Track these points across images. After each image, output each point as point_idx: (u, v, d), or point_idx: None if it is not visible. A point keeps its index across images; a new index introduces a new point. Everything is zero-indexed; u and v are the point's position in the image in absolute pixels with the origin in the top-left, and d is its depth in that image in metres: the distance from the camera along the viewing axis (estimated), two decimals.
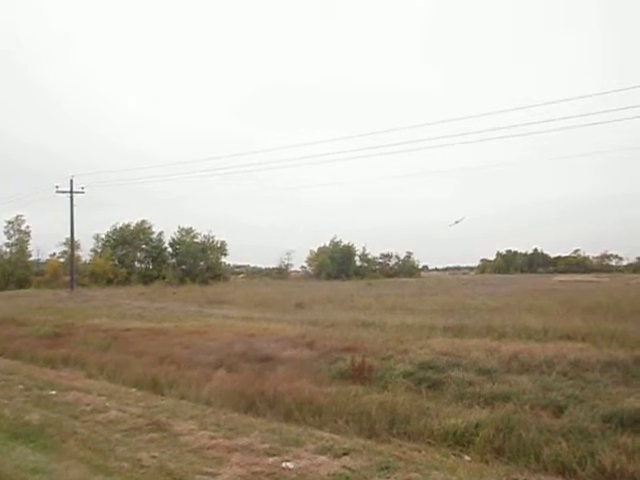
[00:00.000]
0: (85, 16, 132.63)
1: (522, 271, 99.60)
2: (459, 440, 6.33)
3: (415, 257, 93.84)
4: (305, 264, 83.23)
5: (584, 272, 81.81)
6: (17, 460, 5.56)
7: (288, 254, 78.41)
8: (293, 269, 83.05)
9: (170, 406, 8.07)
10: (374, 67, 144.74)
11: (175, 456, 5.72)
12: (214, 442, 6.12)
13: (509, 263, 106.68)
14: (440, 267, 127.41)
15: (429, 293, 32.99)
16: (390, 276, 78.70)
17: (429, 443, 6.28)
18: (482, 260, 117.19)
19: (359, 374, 9.57)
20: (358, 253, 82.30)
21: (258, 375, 9.65)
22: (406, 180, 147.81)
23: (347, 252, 78.42)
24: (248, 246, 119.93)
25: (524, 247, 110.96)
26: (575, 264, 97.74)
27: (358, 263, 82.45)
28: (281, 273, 77.45)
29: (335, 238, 78.83)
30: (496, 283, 50.79)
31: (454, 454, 5.94)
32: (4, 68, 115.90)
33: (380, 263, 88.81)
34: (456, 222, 72.98)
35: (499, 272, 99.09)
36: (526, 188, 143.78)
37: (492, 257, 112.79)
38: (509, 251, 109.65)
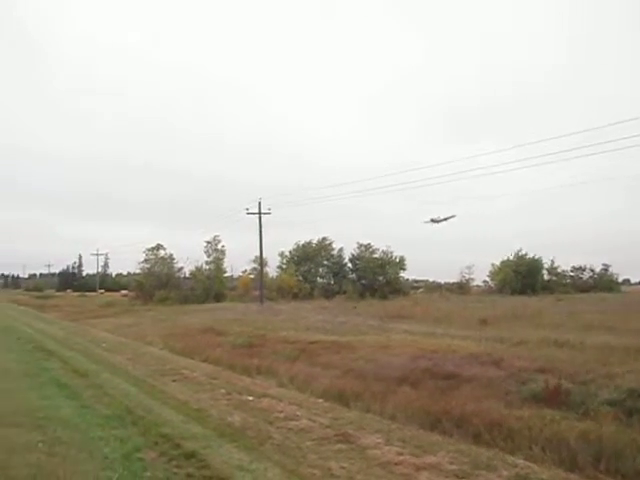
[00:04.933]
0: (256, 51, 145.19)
1: None
2: None
3: (613, 270, 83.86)
4: (487, 278, 79.53)
5: None
6: (225, 456, 6.10)
7: (469, 268, 75.65)
8: (474, 284, 79.80)
9: (356, 419, 8.20)
10: (531, 72, 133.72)
11: (363, 469, 5.77)
12: (401, 458, 6.06)
13: None
14: None
15: (635, 309, 29.13)
16: (583, 291, 71.23)
17: None
18: None
19: (554, 398, 8.77)
20: (546, 266, 76.26)
21: (443, 393, 9.38)
22: (592, 187, 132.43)
23: (533, 265, 72.99)
24: (427, 260, 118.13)
25: None
26: None
27: (546, 277, 76.30)
28: (462, 288, 74.84)
29: (520, 251, 74.13)
30: None
31: None
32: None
33: (571, 277, 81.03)
34: (432, 220, 59.83)
35: None
36: None
37: None
38: None
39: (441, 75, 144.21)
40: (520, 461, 6.08)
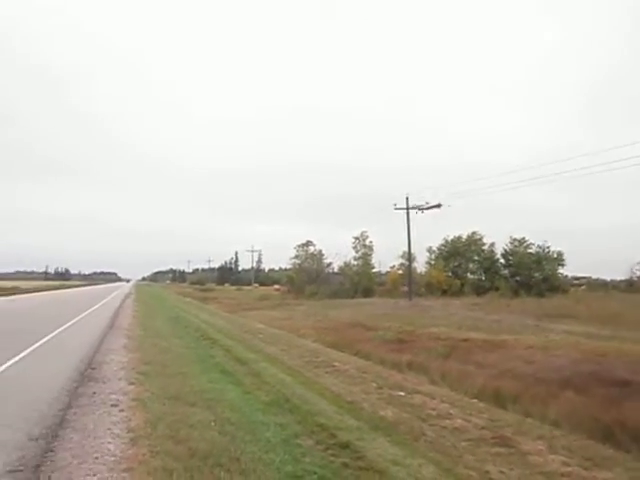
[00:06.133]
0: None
1: None
2: None
3: None
4: None
5: None
6: (379, 450, 6.13)
7: None
8: None
9: (514, 422, 7.78)
10: None
11: (525, 476, 5.45)
12: (568, 469, 5.60)
13: None
14: None
15: None
16: None
17: None
18: None
19: None
20: None
21: (614, 401, 8.50)
22: None
23: None
24: (589, 256, 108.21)
25: None
26: None
27: None
28: (632, 286, 67.22)
29: None
30: None
31: None
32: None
33: None
34: (413, 208, 47.47)
35: None
36: None
37: None
38: None
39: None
40: None
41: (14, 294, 48.62)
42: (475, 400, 9.51)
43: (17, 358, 9.88)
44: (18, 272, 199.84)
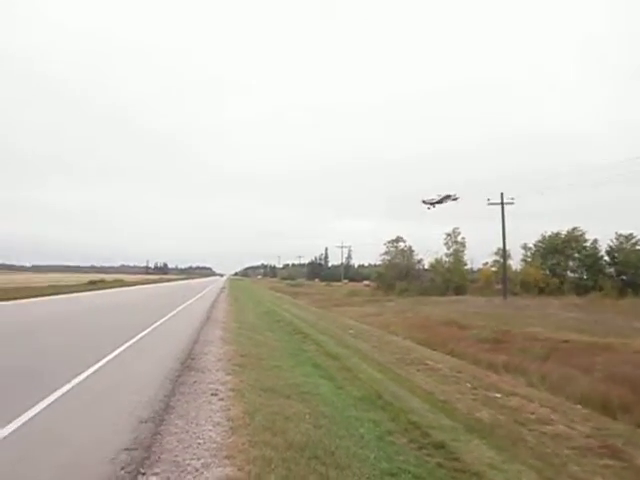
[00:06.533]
0: None
1: None
2: None
3: None
4: None
5: None
6: (475, 452, 5.95)
7: None
8: None
9: (625, 432, 7.26)
10: None
11: None
12: None
13: None
14: None
15: None
16: None
17: None
18: None
19: None
20: None
21: None
22: None
23: None
24: None
25: None
26: None
27: None
28: None
29: None
30: None
31: None
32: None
33: None
34: (425, 202, 40.22)
35: None
36: None
37: None
38: None
39: None
40: None
41: (121, 286, 52.25)
42: (579, 406, 8.98)
43: (127, 345, 10.56)
44: (122, 266, 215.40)
